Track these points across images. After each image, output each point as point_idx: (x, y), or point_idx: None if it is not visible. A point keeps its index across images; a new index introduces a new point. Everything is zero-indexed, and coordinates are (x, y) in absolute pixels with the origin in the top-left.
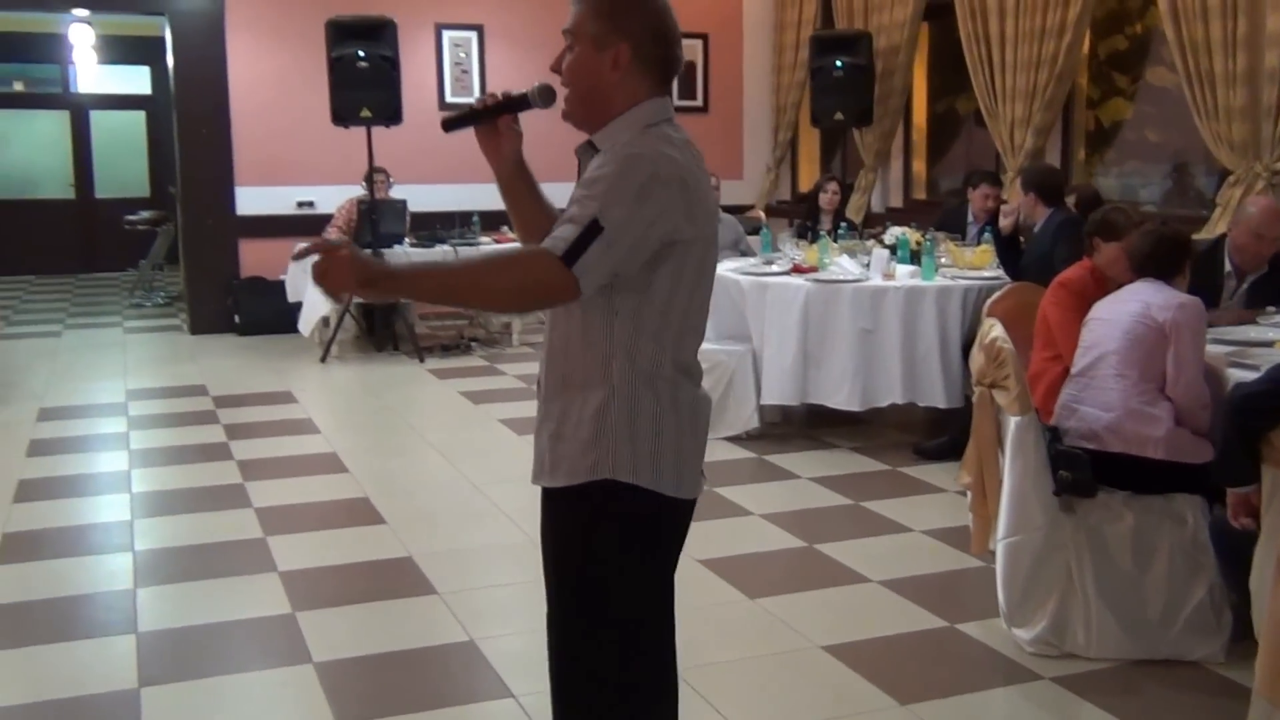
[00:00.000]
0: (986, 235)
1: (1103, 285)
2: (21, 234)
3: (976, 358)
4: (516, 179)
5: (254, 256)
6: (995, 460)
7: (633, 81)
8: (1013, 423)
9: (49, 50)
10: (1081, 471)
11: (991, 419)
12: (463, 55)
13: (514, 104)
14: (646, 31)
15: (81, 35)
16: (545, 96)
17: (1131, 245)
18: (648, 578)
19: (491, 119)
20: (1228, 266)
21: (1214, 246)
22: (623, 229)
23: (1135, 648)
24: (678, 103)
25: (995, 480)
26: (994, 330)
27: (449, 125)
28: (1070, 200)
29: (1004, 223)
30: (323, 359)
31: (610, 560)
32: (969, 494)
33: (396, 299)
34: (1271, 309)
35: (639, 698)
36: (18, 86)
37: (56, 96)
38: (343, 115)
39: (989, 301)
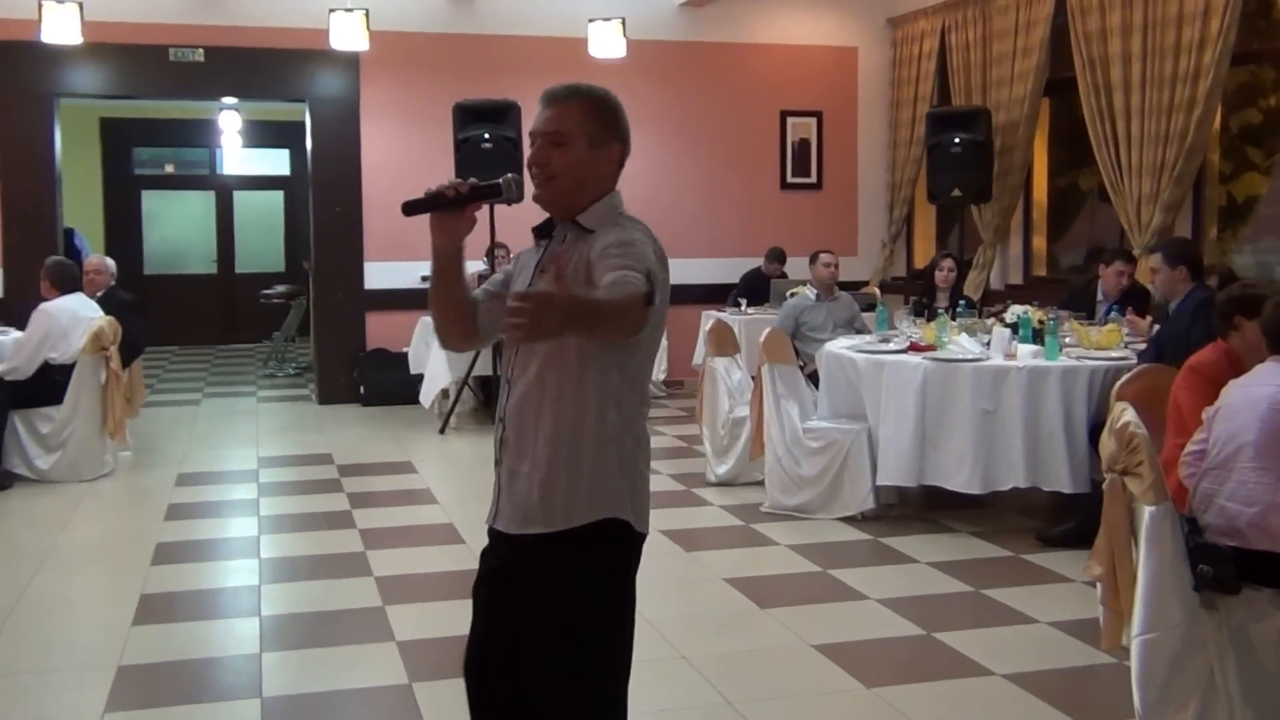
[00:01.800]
0: (1114, 314)
1: (1237, 369)
2: (169, 307)
3: (1108, 443)
4: (455, 260)
5: (379, 329)
6: (1128, 551)
7: (613, 174)
8: (1147, 512)
9: (199, 135)
10: (1223, 566)
11: (1124, 508)
12: None
13: (486, 193)
14: (627, 134)
15: (230, 121)
16: (518, 189)
17: (1269, 317)
18: (632, 611)
19: (460, 206)
20: None
21: None
22: (663, 286)
23: None
24: (792, 179)
25: (1128, 572)
26: (1126, 414)
27: (411, 208)
28: (1212, 282)
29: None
30: (442, 430)
31: (614, 596)
32: (1099, 586)
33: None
34: None
35: None
36: (169, 169)
37: (204, 178)
38: None
39: (1118, 384)
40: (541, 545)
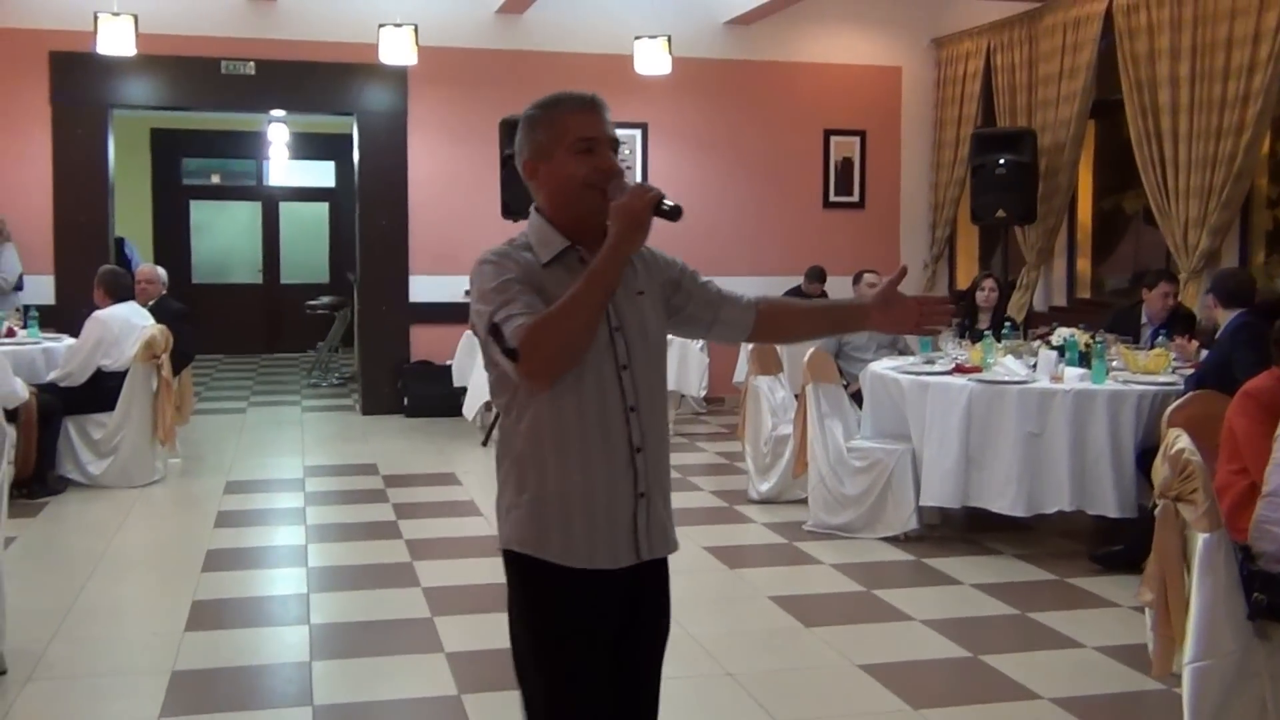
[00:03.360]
0: (1162, 337)
1: None
2: (215, 316)
3: (1161, 469)
4: None
5: (423, 341)
6: (1180, 578)
7: None
8: (1201, 540)
9: (246, 147)
10: (1278, 594)
11: (1177, 534)
12: (626, 152)
13: (669, 214)
14: None
15: (278, 133)
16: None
17: None
18: None
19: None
20: None
21: None
22: None
23: None
24: (834, 198)
25: (1180, 599)
26: (1180, 441)
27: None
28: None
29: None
30: (484, 442)
31: None
32: (1149, 611)
33: None
34: None
35: None
36: (215, 179)
37: (251, 189)
38: (513, 209)
39: (1170, 410)
40: (659, 567)
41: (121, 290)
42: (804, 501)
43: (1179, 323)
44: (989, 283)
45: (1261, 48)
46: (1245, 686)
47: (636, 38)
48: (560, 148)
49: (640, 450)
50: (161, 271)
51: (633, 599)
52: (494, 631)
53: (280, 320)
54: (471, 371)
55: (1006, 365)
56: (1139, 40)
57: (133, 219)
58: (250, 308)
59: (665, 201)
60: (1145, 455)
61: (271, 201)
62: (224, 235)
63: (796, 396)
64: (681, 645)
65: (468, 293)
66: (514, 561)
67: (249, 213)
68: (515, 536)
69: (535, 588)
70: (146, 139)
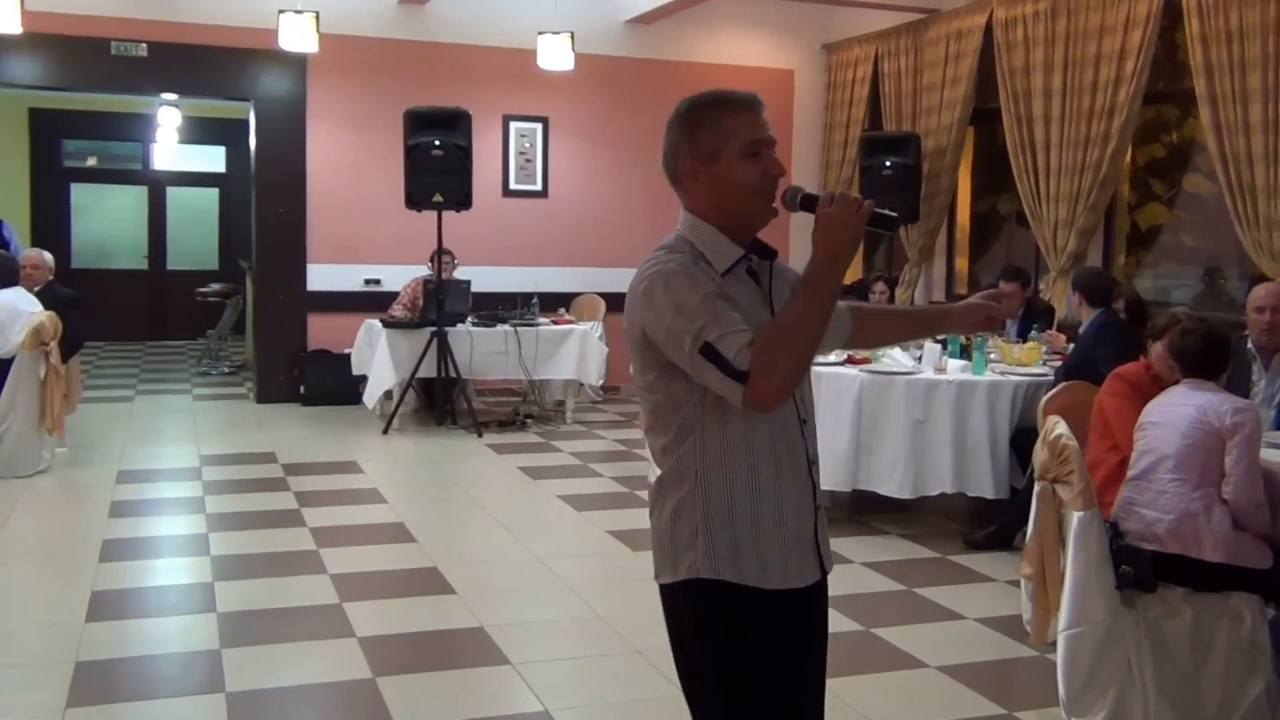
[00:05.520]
0: (1034, 330)
1: (1158, 383)
2: (97, 302)
3: (1040, 453)
4: None
5: (321, 330)
6: (1057, 553)
7: None
8: (1075, 518)
9: (131, 129)
10: (1142, 567)
11: (1054, 513)
12: (527, 145)
13: (883, 223)
14: None
15: (168, 117)
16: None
17: (1180, 344)
18: None
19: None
20: (1254, 356)
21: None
22: None
23: None
24: None
25: (1056, 573)
26: (1058, 427)
27: (808, 202)
28: (1119, 306)
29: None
30: (385, 430)
31: None
32: (1027, 584)
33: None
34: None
35: None
36: (91, 162)
37: (136, 173)
38: (416, 200)
39: (1045, 399)
40: (825, 580)
41: (8, 275)
42: None
43: (1041, 316)
44: (880, 286)
45: (1126, 64)
46: (1113, 650)
47: (540, 33)
48: (727, 151)
49: (814, 463)
50: (48, 256)
51: (811, 615)
52: (405, 616)
53: (166, 307)
54: (371, 360)
55: (894, 357)
56: (1016, 53)
57: (8, 201)
58: (135, 294)
59: (881, 210)
60: (1016, 438)
61: (158, 186)
62: (106, 219)
63: None
64: (592, 625)
65: (430, 282)
66: (699, 589)
67: (134, 197)
68: (705, 563)
69: (727, 612)
70: (25, 119)
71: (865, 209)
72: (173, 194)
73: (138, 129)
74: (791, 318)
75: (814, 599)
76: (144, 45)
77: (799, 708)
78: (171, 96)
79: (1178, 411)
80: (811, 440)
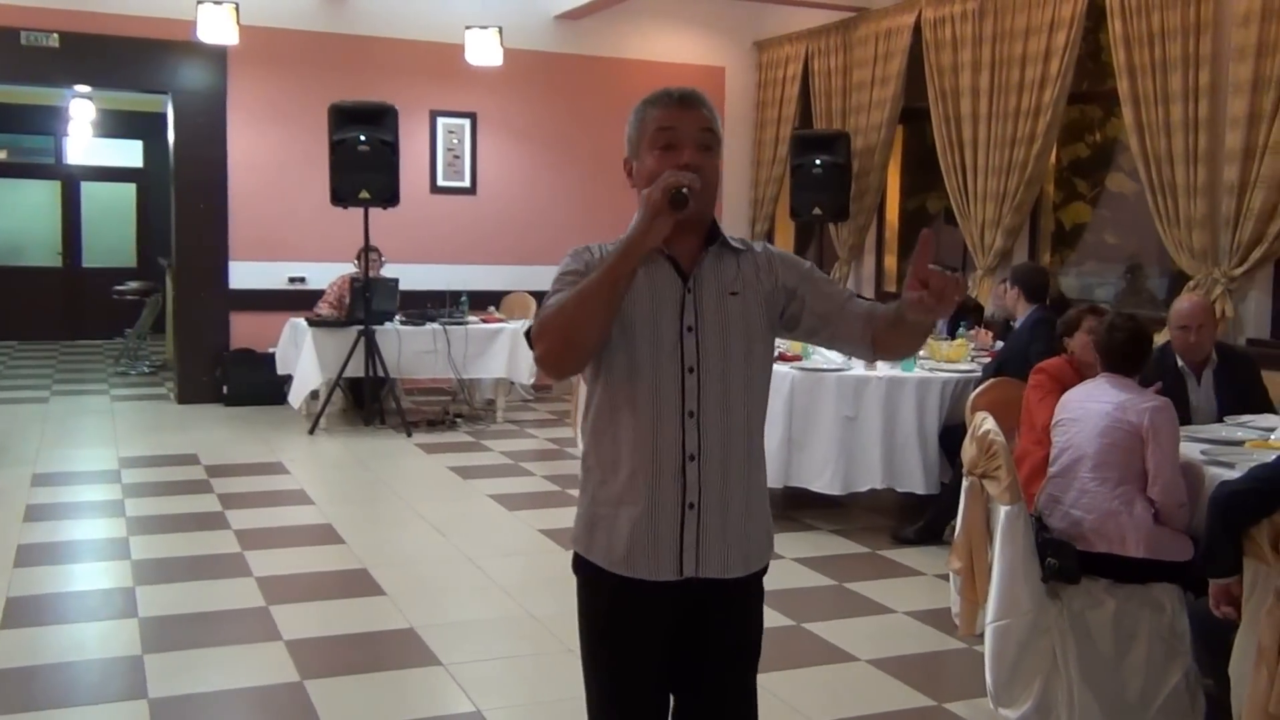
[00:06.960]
0: (962, 328)
1: (1079, 376)
2: (8, 300)
3: (969, 449)
4: None
5: (244, 329)
6: (984, 547)
7: None
8: (1003, 511)
9: (43, 122)
10: (1067, 559)
11: (982, 507)
12: (455, 141)
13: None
14: None
15: (81, 110)
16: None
17: (1106, 339)
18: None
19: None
20: (1186, 373)
21: (1162, 351)
22: None
23: None
24: None
25: (984, 566)
26: (986, 423)
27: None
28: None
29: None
30: (311, 431)
31: None
32: (956, 578)
33: None
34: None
35: None
36: (1, 155)
37: (48, 167)
38: (342, 196)
39: (973, 395)
40: (737, 586)
41: None
42: None
43: (969, 314)
44: None
45: (1052, 64)
46: (1038, 641)
47: (467, 27)
48: (644, 143)
49: (694, 459)
50: None
51: (691, 615)
52: (333, 618)
53: (82, 306)
54: (297, 359)
55: (824, 354)
56: (944, 53)
57: None
58: (48, 292)
59: (679, 190)
60: (945, 435)
61: (71, 181)
62: (17, 215)
63: None
64: (523, 624)
65: (357, 280)
66: (576, 562)
67: (46, 192)
68: (574, 533)
69: (586, 590)
70: None
71: (667, 185)
72: (87, 189)
73: (50, 122)
74: (575, 291)
75: (696, 599)
76: (55, 35)
77: (655, 705)
78: (85, 89)
79: (1093, 407)
80: (700, 434)
